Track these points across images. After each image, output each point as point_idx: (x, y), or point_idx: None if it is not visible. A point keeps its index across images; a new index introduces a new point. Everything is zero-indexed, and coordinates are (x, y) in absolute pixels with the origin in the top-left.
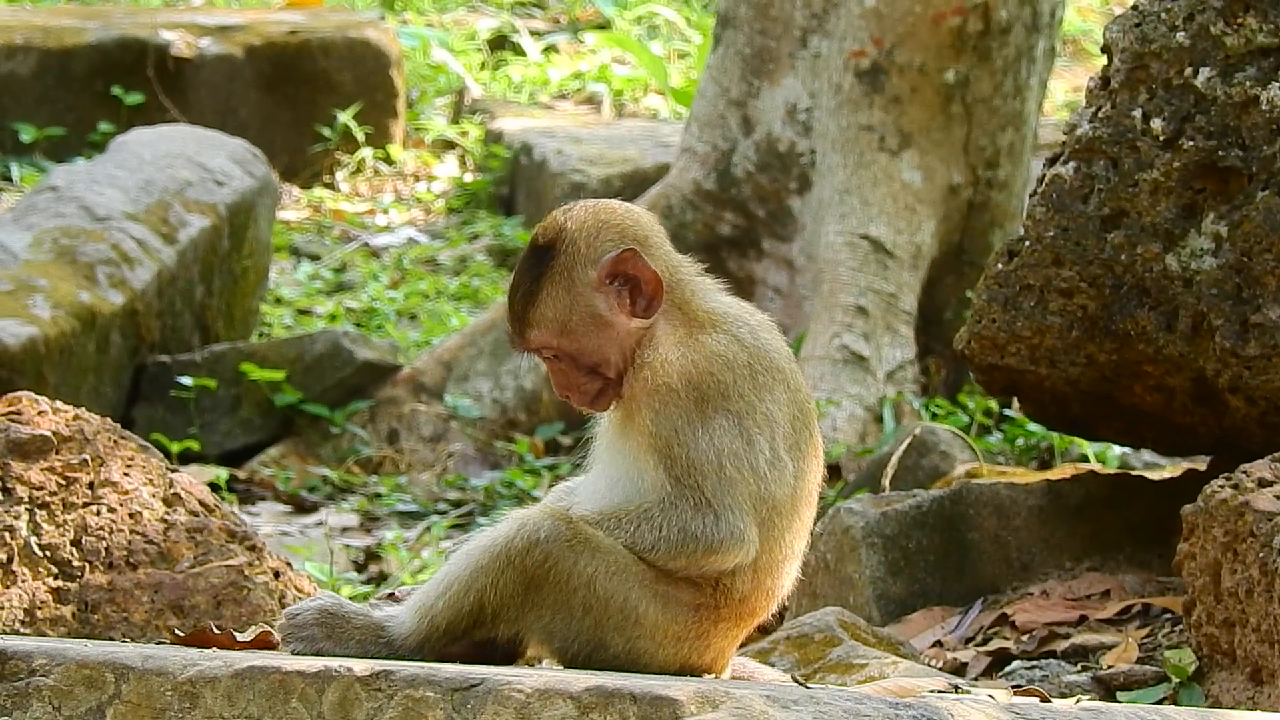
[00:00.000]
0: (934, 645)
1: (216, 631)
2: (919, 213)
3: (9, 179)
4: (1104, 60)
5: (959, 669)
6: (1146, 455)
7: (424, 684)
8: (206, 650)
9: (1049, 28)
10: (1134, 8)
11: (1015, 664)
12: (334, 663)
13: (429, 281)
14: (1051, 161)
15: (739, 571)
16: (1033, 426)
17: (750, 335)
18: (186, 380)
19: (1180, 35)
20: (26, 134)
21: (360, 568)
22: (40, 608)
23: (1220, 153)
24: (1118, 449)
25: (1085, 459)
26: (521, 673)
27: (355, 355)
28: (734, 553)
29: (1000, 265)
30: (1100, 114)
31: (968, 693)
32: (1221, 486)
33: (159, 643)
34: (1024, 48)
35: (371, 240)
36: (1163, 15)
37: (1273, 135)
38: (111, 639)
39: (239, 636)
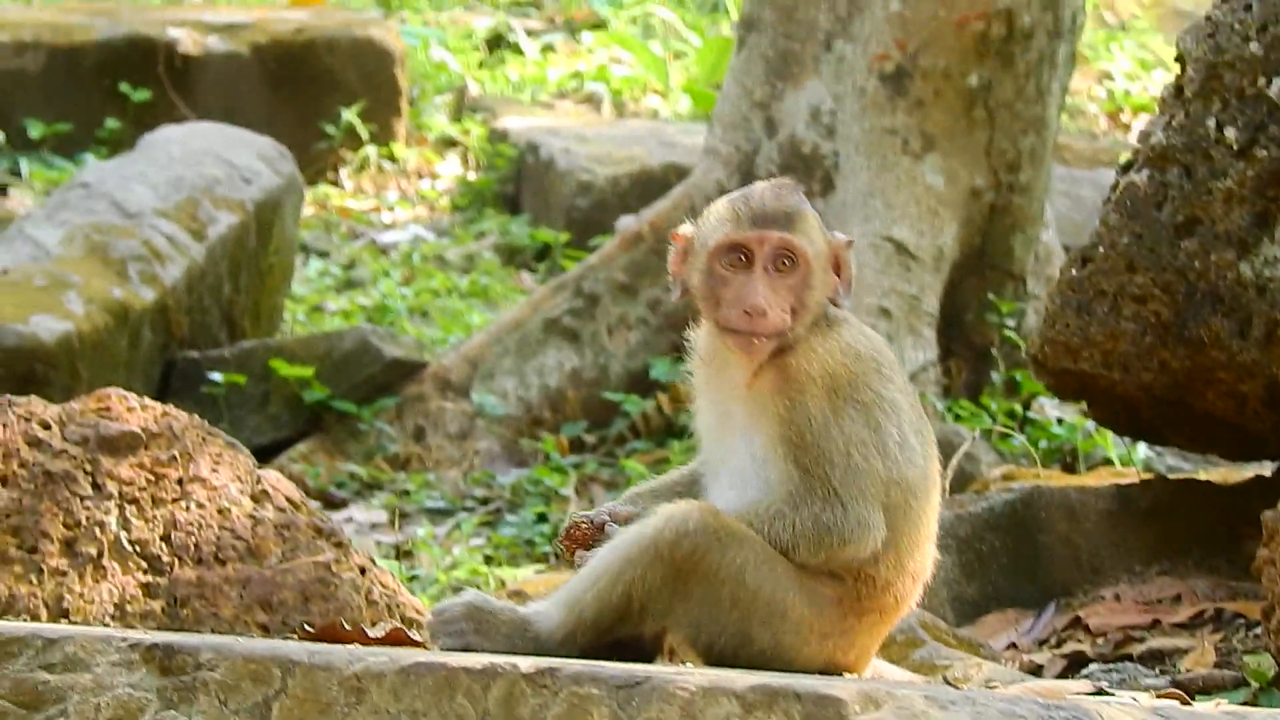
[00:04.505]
0: (1008, 647)
1: (347, 628)
2: (941, 215)
3: (18, 174)
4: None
5: (1034, 671)
6: (1170, 459)
7: (589, 681)
8: (371, 647)
9: (1070, 33)
10: (1207, 18)
11: (1092, 666)
12: (499, 659)
13: (439, 279)
14: (1125, 169)
15: (879, 557)
16: (1056, 429)
17: (869, 333)
18: (216, 376)
19: (1254, 45)
20: (35, 130)
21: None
22: (130, 602)
23: None
24: (1143, 452)
25: (1109, 462)
26: (685, 671)
27: (383, 352)
28: (863, 541)
29: (1074, 271)
30: (1174, 123)
31: (1112, 694)
32: None
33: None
34: (1046, 53)
35: (378, 237)
36: (1236, 25)
37: None
38: (199, 634)
39: (369, 633)
